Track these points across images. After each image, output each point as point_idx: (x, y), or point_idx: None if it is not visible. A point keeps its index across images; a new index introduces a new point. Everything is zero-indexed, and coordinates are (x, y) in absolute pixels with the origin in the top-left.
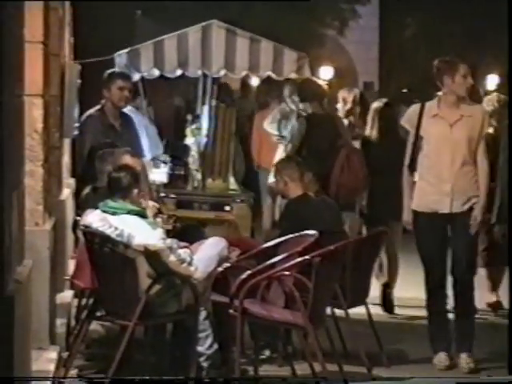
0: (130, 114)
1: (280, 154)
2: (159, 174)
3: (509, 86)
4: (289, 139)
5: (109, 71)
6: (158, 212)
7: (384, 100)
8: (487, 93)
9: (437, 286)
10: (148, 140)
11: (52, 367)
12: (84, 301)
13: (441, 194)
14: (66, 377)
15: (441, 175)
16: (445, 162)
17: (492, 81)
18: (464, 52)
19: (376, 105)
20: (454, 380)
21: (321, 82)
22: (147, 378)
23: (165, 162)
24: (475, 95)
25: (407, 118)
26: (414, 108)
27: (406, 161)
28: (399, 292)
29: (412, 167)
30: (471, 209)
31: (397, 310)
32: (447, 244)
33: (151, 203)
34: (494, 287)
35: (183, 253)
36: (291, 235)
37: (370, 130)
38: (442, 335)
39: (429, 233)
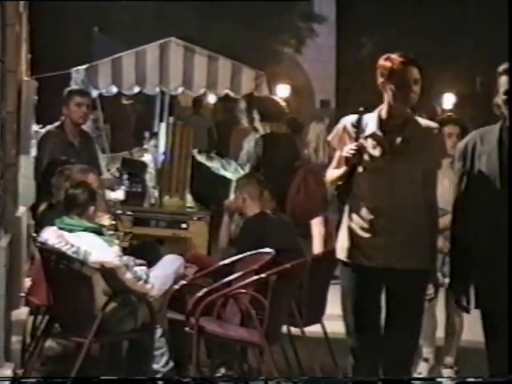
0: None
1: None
2: (116, 191)
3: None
4: (246, 158)
5: (68, 88)
6: (115, 229)
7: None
8: (444, 111)
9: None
10: None
11: None
12: (39, 318)
13: (373, 242)
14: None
15: (374, 218)
16: (380, 201)
17: (448, 99)
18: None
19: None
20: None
21: (282, 102)
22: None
23: (121, 179)
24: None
25: (336, 134)
26: (346, 122)
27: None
28: None
29: (341, 200)
30: (420, 269)
31: None
32: (380, 309)
33: (106, 217)
34: None
35: (139, 270)
36: (248, 253)
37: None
38: None
39: (358, 291)
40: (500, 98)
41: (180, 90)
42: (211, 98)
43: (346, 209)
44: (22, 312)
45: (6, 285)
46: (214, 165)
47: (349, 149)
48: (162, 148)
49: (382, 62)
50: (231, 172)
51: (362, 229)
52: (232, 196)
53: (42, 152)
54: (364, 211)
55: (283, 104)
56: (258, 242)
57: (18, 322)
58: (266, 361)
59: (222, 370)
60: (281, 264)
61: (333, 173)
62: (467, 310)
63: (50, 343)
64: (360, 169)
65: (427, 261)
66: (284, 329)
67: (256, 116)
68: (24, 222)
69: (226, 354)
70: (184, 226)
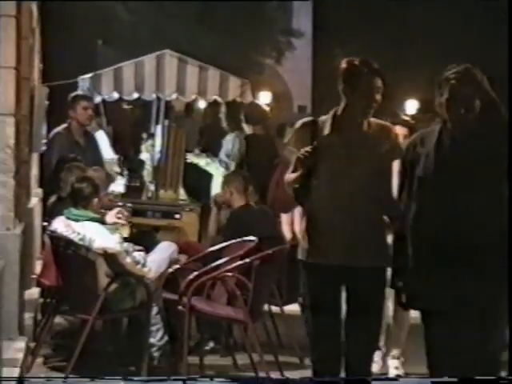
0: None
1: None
2: (117, 185)
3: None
4: (231, 157)
5: (73, 94)
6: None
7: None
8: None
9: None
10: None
11: (20, 356)
12: (49, 297)
13: (334, 240)
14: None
15: (334, 217)
16: (340, 199)
17: (411, 105)
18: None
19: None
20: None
21: (266, 107)
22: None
23: (122, 175)
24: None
25: (296, 138)
26: (303, 125)
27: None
28: None
29: (299, 202)
30: (381, 267)
31: None
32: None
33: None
34: None
35: (138, 255)
36: (234, 240)
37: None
38: None
39: (318, 291)
40: (444, 99)
41: (174, 96)
42: (201, 104)
43: (304, 210)
44: (33, 292)
45: (20, 267)
46: (200, 161)
47: (303, 151)
48: (158, 147)
49: (343, 65)
50: (215, 168)
51: (321, 228)
52: (220, 190)
53: (52, 150)
54: (323, 211)
55: (266, 109)
56: (243, 231)
57: (30, 301)
58: (249, 336)
59: (211, 344)
60: (263, 250)
61: (290, 176)
62: (406, 307)
63: (58, 319)
64: (318, 170)
65: (387, 257)
66: (266, 307)
67: (242, 118)
68: (36, 212)
69: (214, 329)
70: (177, 216)
